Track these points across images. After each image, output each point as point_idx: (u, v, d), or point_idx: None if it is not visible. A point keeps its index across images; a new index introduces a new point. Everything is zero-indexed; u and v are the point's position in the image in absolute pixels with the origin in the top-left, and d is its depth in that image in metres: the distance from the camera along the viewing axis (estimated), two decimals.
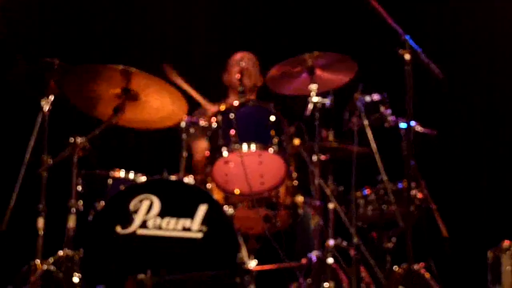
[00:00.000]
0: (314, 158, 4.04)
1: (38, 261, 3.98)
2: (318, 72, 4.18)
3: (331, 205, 4.20)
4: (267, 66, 4.35)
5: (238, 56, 5.04)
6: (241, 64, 4.87)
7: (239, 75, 4.54)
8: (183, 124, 4.12)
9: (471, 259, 5.20)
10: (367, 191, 4.45)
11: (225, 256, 3.70)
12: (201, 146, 4.65)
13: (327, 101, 4.10)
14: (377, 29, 3.59)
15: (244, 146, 3.95)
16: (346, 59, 4.19)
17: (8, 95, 5.09)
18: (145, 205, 3.72)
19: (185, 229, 3.70)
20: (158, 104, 4.16)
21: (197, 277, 3.62)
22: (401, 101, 3.65)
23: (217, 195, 4.00)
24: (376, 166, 4.28)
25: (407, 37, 3.58)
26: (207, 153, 4.11)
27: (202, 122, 4.09)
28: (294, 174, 4.17)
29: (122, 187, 3.91)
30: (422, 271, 4.20)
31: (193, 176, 4.11)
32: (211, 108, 4.50)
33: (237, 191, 4.04)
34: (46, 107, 4.19)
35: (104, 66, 4.03)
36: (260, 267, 3.87)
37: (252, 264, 3.80)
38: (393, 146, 4.37)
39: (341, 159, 4.40)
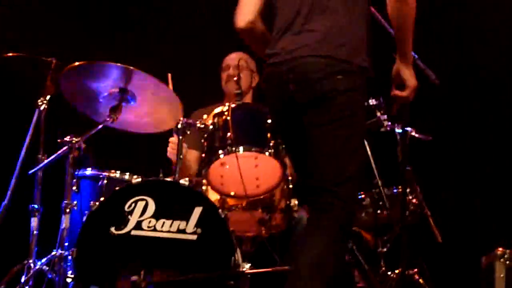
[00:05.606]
0: None
1: (31, 261, 3.98)
2: None
3: None
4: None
5: (230, 58, 5.01)
6: (234, 66, 4.80)
7: (234, 78, 4.47)
8: (179, 126, 4.11)
9: (464, 265, 5.21)
10: (362, 196, 4.45)
11: (219, 258, 3.68)
12: (192, 156, 4.65)
13: None
14: (373, 34, 3.57)
15: (241, 148, 3.94)
16: None
17: (5, 94, 5.08)
18: (140, 206, 3.72)
19: (180, 230, 3.69)
20: (154, 107, 4.16)
21: (191, 279, 3.61)
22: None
23: (212, 197, 3.99)
24: (372, 171, 4.28)
25: None
26: (202, 155, 4.10)
27: (199, 124, 4.08)
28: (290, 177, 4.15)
29: (117, 188, 3.90)
30: (416, 276, 4.20)
31: (188, 178, 4.10)
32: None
33: (232, 194, 4.03)
34: (42, 106, 4.19)
35: (102, 65, 4.02)
36: (254, 270, 3.85)
37: (247, 267, 3.79)
38: (389, 151, 4.38)
39: None
